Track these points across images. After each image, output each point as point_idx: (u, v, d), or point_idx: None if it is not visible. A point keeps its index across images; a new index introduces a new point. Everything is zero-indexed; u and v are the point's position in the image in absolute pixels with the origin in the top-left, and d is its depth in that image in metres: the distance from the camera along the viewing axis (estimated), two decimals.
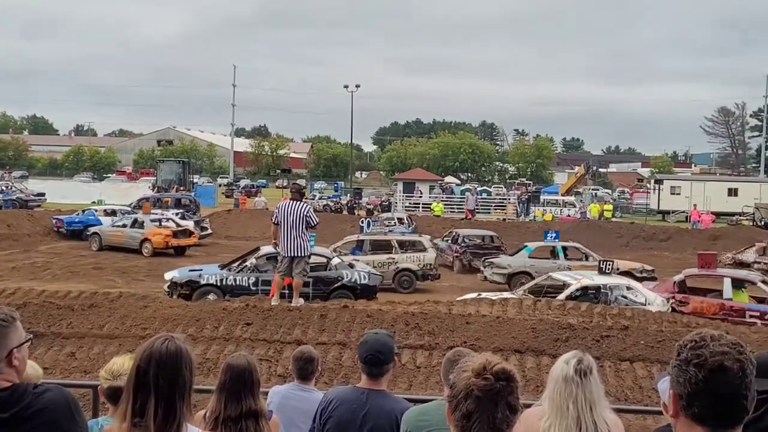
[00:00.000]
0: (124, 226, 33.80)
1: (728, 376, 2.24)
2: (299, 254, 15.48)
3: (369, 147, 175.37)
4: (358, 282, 19.58)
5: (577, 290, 18.42)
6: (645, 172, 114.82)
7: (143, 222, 33.43)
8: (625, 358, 13.12)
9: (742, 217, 53.16)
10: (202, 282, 19.31)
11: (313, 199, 59.67)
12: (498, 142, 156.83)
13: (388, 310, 15.05)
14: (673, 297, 18.74)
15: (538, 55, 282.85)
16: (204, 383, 8.93)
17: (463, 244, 31.39)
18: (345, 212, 54.18)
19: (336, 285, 19.38)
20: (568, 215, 54.49)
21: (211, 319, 14.34)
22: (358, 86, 77.12)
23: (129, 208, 40.58)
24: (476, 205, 55.76)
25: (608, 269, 19.27)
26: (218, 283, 19.26)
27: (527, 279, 23.06)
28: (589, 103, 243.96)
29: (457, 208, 59.38)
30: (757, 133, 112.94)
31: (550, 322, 14.12)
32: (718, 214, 53.93)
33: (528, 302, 16.33)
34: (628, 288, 18.77)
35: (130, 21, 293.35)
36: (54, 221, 38.18)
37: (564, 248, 26.96)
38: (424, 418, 4.19)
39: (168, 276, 19.96)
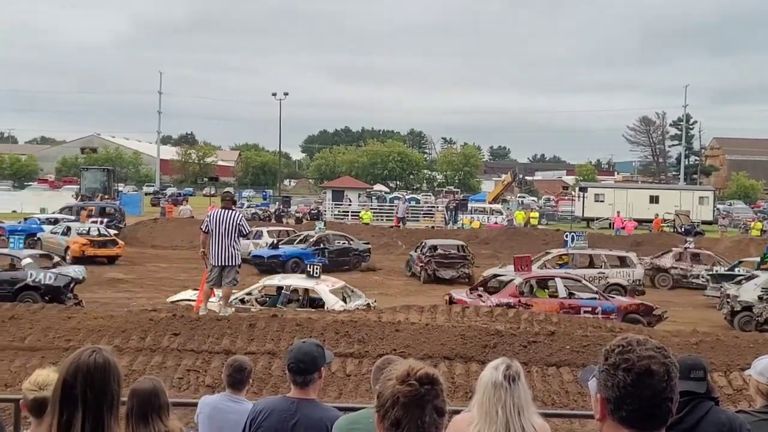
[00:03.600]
0: (59, 233, 34.27)
1: (655, 379, 2.29)
2: (230, 263, 15.26)
3: (297, 155, 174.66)
4: (43, 282, 19.79)
5: (257, 290, 18.77)
6: (570, 180, 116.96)
7: (70, 230, 33.94)
8: (551, 363, 13.34)
9: (663, 224, 54.43)
10: None
11: (242, 208, 59.08)
12: (426, 151, 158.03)
13: (318, 318, 15.01)
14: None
15: (464, 65, 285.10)
16: None
17: (427, 254, 29.71)
18: (273, 220, 53.76)
19: (20, 285, 19.68)
20: (495, 223, 54.95)
21: (137, 329, 14.10)
22: (286, 94, 76.79)
23: (72, 217, 40.35)
24: (406, 213, 55.84)
25: (316, 273, 18.98)
26: None
27: None
28: (516, 112, 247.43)
29: (386, 217, 59.56)
30: (676, 142, 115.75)
31: (479, 329, 14.26)
32: (640, 221, 54.96)
33: (457, 309, 16.44)
34: (309, 291, 18.73)
35: (54, 25, 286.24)
36: None
37: None
38: (354, 427, 4.18)
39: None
